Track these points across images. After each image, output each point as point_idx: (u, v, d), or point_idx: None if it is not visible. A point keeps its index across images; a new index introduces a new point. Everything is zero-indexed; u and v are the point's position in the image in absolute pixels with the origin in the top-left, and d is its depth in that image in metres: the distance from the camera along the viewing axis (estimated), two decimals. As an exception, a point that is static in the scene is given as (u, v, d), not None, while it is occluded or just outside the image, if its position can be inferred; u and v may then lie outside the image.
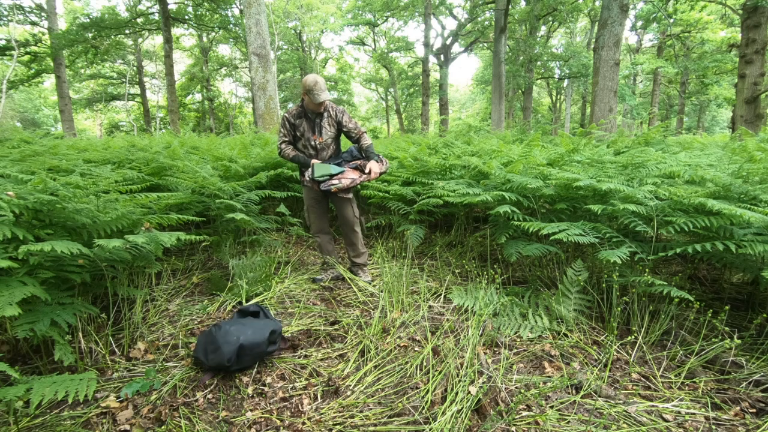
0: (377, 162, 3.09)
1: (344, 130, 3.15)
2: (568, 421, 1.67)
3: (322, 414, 1.75)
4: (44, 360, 2.01)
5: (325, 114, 3.08)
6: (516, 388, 1.89)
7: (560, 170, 3.18)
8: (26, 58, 16.36)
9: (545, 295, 2.60)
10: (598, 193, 2.88)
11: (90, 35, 15.50)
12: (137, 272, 2.73)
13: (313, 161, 3.06)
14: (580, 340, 2.28)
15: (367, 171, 3.01)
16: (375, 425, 1.68)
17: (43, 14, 15.59)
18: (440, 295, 2.91)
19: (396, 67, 27.27)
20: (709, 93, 18.67)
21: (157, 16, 17.07)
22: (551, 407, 1.75)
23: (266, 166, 4.69)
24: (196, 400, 1.84)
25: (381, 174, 3.12)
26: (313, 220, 3.29)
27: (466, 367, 1.93)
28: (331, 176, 2.95)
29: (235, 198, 3.62)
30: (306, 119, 3.07)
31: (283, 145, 3.13)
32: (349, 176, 2.97)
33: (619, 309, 2.33)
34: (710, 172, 2.66)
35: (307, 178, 3.00)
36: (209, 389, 1.92)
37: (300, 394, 1.89)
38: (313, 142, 3.09)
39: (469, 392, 1.79)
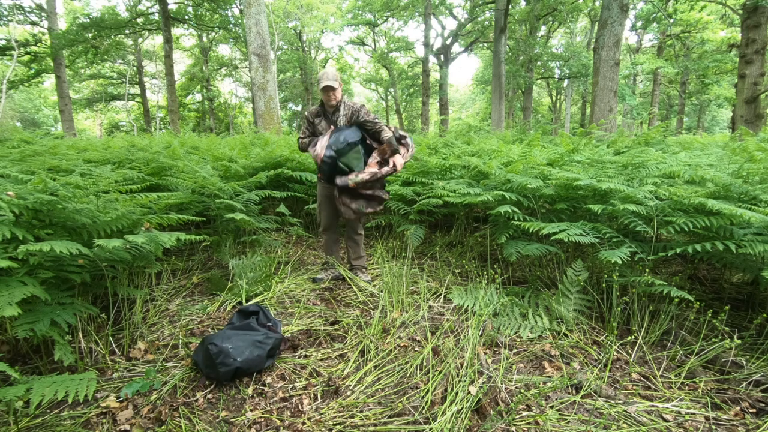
0: (401, 154, 3.00)
1: (361, 123, 3.08)
2: (568, 421, 1.67)
3: (322, 414, 1.75)
4: (44, 360, 2.01)
5: (341, 107, 3.07)
6: (516, 388, 1.89)
7: (560, 170, 3.18)
8: (26, 58, 16.36)
9: (545, 295, 2.60)
10: (598, 193, 2.88)
11: (90, 35, 15.50)
12: (137, 272, 2.73)
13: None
14: (580, 340, 2.27)
15: (390, 165, 2.92)
16: (375, 425, 1.68)
17: (43, 14, 15.59)
18: (440, 295, 2.91)
19: (396, 67, 27.26)
20: (709, 93, 18.67)
21: (157, 16, 17.07)
22: (551, 407, 1.75)
23: (266, 166, 4.69)
24: (196, 400, 1.84)
25: (406, 162, 3.06)
26: (323, 217, 3.28)
27: (466, 367, 1.93)
28: (350, 170, 2.89)
29: (235, 198, 3.62)
30: (325, 117, 3.08)
31: (302, 139, 3.16)
32: (369, 170, 2.86)
33: (619, 309, 2.33)
34: (710, 172, 2.66)
35: (324, 155, 2.88)
36: (209, 389, 1.92)
37: (300, 394, 1.89)
38: None
39: (469, 392, 1.79)
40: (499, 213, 2.83)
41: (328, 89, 2.93)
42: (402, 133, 3.13)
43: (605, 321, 2.41)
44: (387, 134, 3.04)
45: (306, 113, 3.17)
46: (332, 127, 3.05)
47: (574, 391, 1.86)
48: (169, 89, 15.80)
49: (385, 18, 24.16)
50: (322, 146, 2.92)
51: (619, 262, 2.12)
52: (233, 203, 3.29)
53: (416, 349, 2.24)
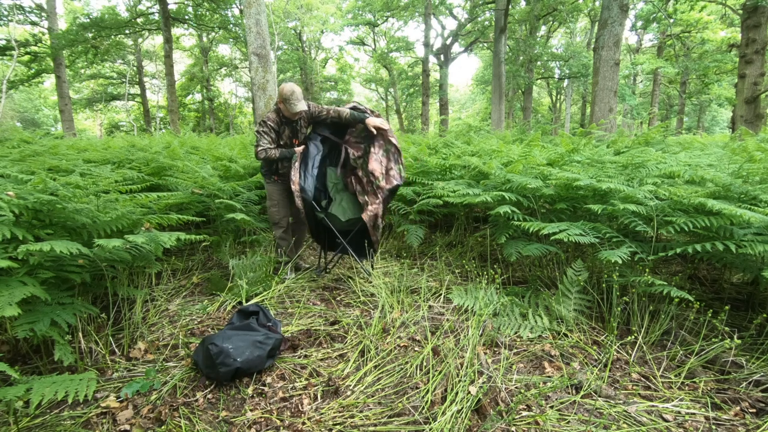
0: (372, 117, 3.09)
1: (320, 119, 3.16)
2: (568, 421, 1.67)
3: (322, 414, 1.75)
4: (44, 360, 2.01)
5: (299, 118, 3.15)
6: (516, 388, 1.89)
7: (560, 170, 3.18)
8: (26, 58, 16.34)
9: (545, 295, 2.60)
10: (598, 193, 2.88)
11: (90, 35, 15.49)
12: (137, 272, 2.73)
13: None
14: (580, 340, 2.27)
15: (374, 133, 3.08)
16: (375, 425, 1.68)
17: (43, 14, 15.59)
18: (440, 295, 2.91)
19: (396, 67, 27.25)
20: (709, 93, 18.66)
21: (157, 16, 17.06)
22: (551, 407, 1.75)
23: (266, 166, 4.68)
24: (196, 400, 1.84)
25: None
26: (284, 213, 3.32)
27: (466, 367, 1.93)
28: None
29: (235, 198, 3.62)
30: (287, 125, 3.12)
31: (269, 148, 3.03)
32: (371, 208, 2.99)
33: (619, 309, 2.33)
34: (710, 172, 2.66)
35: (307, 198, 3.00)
36: (209, 389, 1.92)
37: (300, 394, 1.89)
38: (295, 148, 3.16)
39: (469, 392, 1.79)
40: (498, 213, 2.83)
41: (301, 111, 2.97)
42: (357, 106, 3.19)
43: (605, 321, 2.41)
44: (345, 112, 3.11)
45: (268, 122, 3.03)
46: (296, 140, 3.16)
47: (574, 391, 1.86)
48: (169, 89, 15.79)
49: (385, 18, 24.15)
50: (299, 185, 3.01)
51: (619, 262, 2.12)
52: (233, 203, 3.29)
53: (416, 349, 2.24)
